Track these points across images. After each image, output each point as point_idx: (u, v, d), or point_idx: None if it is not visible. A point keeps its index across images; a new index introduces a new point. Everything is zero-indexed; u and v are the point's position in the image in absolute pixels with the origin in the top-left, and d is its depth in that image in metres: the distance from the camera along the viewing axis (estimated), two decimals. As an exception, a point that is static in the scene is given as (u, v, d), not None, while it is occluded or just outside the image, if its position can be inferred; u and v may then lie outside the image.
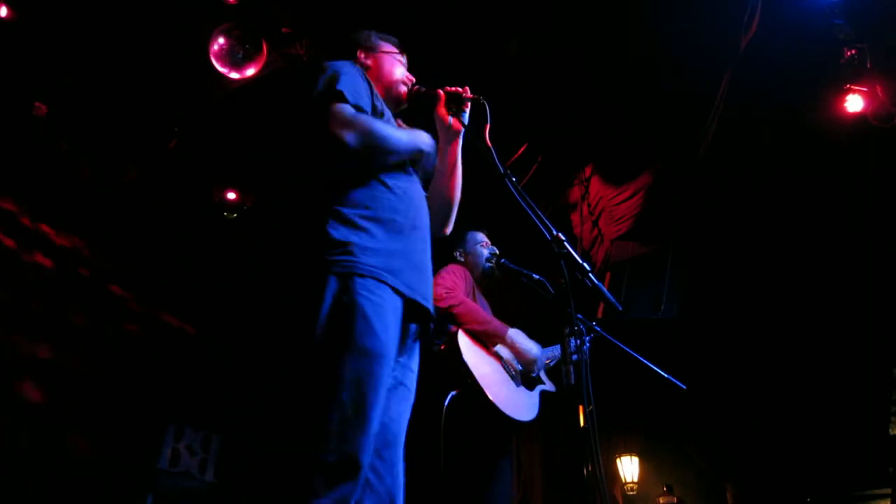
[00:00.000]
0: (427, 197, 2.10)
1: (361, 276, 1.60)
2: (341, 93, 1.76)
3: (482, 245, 3.54)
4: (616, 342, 2.90)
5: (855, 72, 4.15)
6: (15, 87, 3.97)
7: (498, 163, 1.89)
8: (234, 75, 3.99)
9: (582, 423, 1.68)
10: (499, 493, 3.09)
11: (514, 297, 5.02)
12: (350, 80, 1.82)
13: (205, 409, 4.60)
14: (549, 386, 3.37)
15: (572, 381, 1.67)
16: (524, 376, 3.21)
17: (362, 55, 2.14)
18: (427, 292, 1.81)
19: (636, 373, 2.87)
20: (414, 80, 2.18)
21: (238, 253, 5.00)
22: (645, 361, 2.82)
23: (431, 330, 1.87)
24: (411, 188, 1.90)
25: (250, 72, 3.99)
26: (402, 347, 1.76)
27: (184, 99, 4.38)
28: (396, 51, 2.19)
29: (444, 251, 3.51)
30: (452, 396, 2.87)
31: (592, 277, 1.83)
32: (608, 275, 5.52)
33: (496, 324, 3.12)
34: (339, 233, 1.65)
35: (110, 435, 4.04)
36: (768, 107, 4.53)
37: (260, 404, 4.28)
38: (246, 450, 4.69)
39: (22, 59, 3.89)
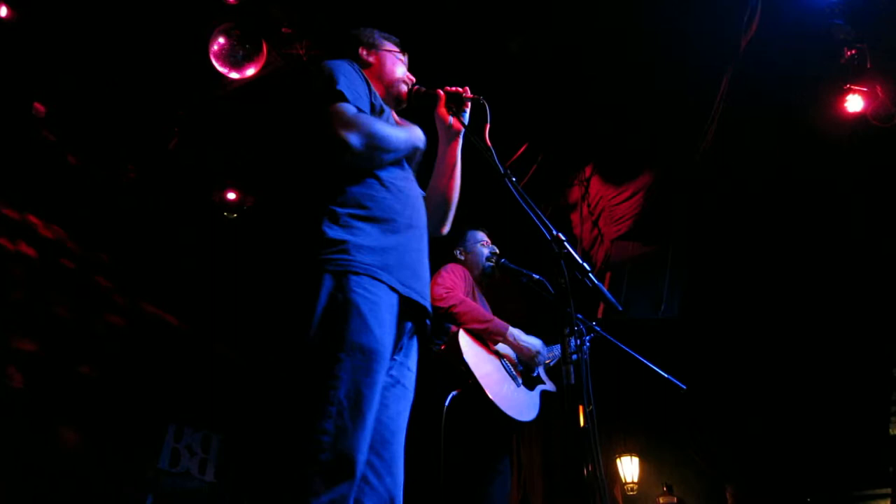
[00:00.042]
0: (425, 196, 2.10)
1: (356, 273, 1.60)
2: (342, 93, 1.75)
3: (482, 244, 3.54)
4: (616, 342, 2.90)
5: (855, 72, 4.15)
6: (15, 86, 3.97)
7: (498, 163, 1.89)
8: (234, 75, 3.99)
9: (582, 423, 1.68)
10: (499, 493, 3.09)
11: (514, 297, 5.02)
12: (349, 80, 1.82)
13: (205, 409, 4.60)
14: (549, 386, 3.37)
15: (572, 381, 1.67)
16: (525, 376, 3.21)
17: (364, 52, 2.13)
18: (423, 290, 1.80)
19: (636, 373, 2.87)
20: (414, 79, 2.18)
21: (238, 253, 5.00)
22: (645, 361, 2.82)
23: (429, 328, 1.87)
24: (408, 186, 1.90)
25: (250, 72, 3.99)
26: (399, 345, 1.76)
27: (184, 99, 4.38)
28: (398, 50, 2.19)
29: (444, 250, 3.52)
30: (453, 396, 2.87)
31: (592, 277, 1.83)
32: (608, 275, 5.52)
33: (497, 322, 3.12)
34: (334, 231, 1.65)
35: (110, 435, 4.04)
36: (768, 107, 4.53)
37: (259, 404, 4.29)
38: (246, 450, 4.70)
39: (22, 59, 3.89)
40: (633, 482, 6.67)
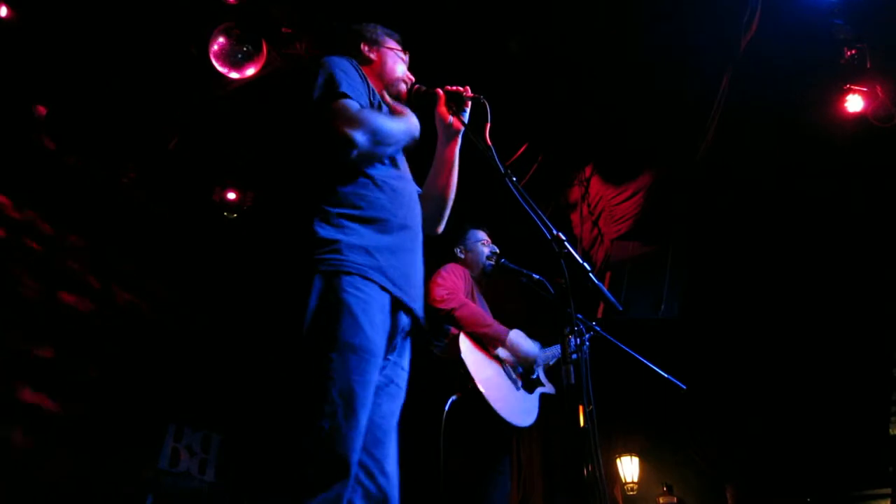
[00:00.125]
0: (421, 194, 2.10)
1: (348, 273, 1.60)
2: (343, 91, 1.75)
3: (482, 244, 3.54)
4: (616, 342, 2.90)
5: (855, 72, 4.15)
6: (15, 86, 3.97)
7: (498, 162, 1.89)
8: (234, 75, 3.99)
9: (582, 423, 1.68)
10: (499, 493, 3.09)
11: (514, 297, 5.02)
12: (349, 77, 1.82)
13: (205, 409, 4.60)
14: (548, 388, 3.37)
15: (572, 381, 1.67)
16: (524, 379, 3.21)
17: (366, 48, 2.12)
18: (416, 292, 1.80)
19: (636, 373, 2.87)
20: (413, 79, 2.18)
21: (238, 253, 5.00)
22: (645, 361, 2.82)
23: (422, 328, 1.86)
24: (403, 186, 1.89)
25: (250, 72, 3.99)
26: (393, 345, 1.76)
27: (184, 99, 4.38)
28: (399, 48, 2.18)
29: (444, 248, 3.52)
30: (453, 401, 2.87)
31: (592, 277, 1.83)
32: (608, 275, 5.51)
33: (497, 327, 3.12)
34: (325, 231, 1.65)
35: (110, 435, 4.04)
36: (768, 107, 4.53)
37: (256, 404, 4.29)
38: (244, 450, 4.70)
39: (22, 59, 3.89)
40: (633, 482, 6.67)
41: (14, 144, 4.01)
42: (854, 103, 4.21)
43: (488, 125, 1.99)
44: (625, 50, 4.46)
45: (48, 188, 4.15)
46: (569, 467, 5.50)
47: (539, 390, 3.29)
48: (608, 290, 2.00)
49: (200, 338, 4.73)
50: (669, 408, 6.15)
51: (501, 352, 3.11)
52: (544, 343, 3.43)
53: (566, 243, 1.80)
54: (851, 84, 4.18)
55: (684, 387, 2.85)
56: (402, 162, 1.99)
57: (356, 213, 1.71)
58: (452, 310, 3.05)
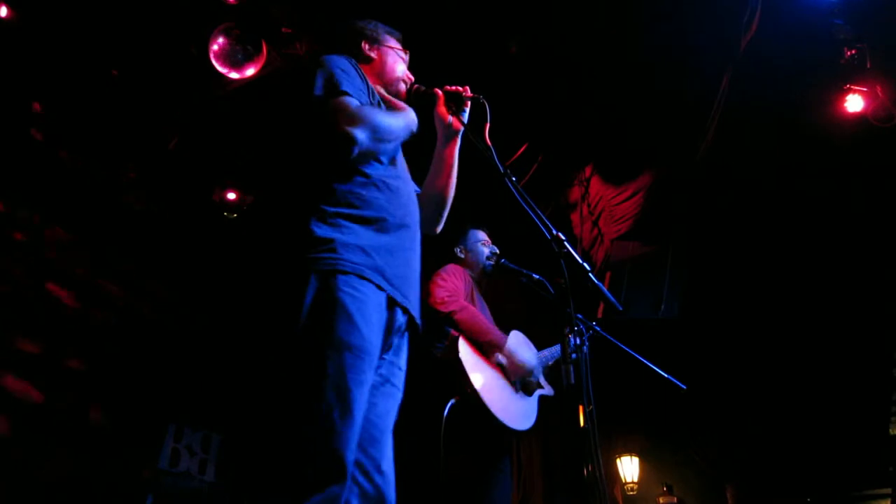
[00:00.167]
0: (420, 194, 2.10)
1: (344, 273, 1.59)
2: (343, 89, 1.75)
3: (483, 244, 3.54)
4: (616, 342, 2.90)
5: (855, 72, 4.15)
6: (14, 86, 3.97)
7: (498, 162, 1.89)
8: (234, 75, 3.99)
9: (582, 423, 1.68)
10: (499, 493, 3.09)
11: (514, 297, 5.02)
12: (348, 75, 1.82)
13: (205, 409, 4.60)
14: (547, 390, 3.37)
15: (572, 381, 1.67)
16: (523, 382, 3.21)
17: (366, 46, 2.12)
18: (413, 291, 1.79)
19: (636, 373, 2.87)
20: (413, 78, 2.17)
21: (238, 252, 5.00)
22: (645, 361, 2.82)
23: (419, 328, 1.85)
24: (401, 185, 1.88)
25: (250, 72, 3.99)
26: (389, 343, 1.75)
27: (184, 99, 4.38)
28: (400, 47, 2.18)
29: (444, 248, 3.52)
30: (452, 405, 2.87)
31: (592, 277, 1.83)
32: (608, 275, 5.51)
33: (495, 334, 3.12)
34: (322, 230, 1.64)
35: (110, 435, 4.04)
36: (768, 107, 4.53)
37: (255, 404, 4.29)
38: (244, 450, 4.70)
39: (22, 59, 3.89)
40: (633, 482, 6.67)
41: (14, 144, 4.00)
42: (854, 103, 4.20)
43: (488, 125, 1.99)
44: (625, 50, 4.46)
45: (48, 188, 4.14)
46: (569, 467, 5.51)
47: (538, 392, 3.29)
48: (608, 290, 2.00)
49: (200, 338, 4.72)
50: (669, 408, 6.15)
51: (499, 357, 3.12)
52: (544, 343, 3.43)
53: (566, 243, 1.80)
54: (851, 84, 4.18)
55: (684, 387, 2.85)
56: (401, 161, 1.98)
57: (354, 212, 1.70)
58: (452, 312, 3.06)
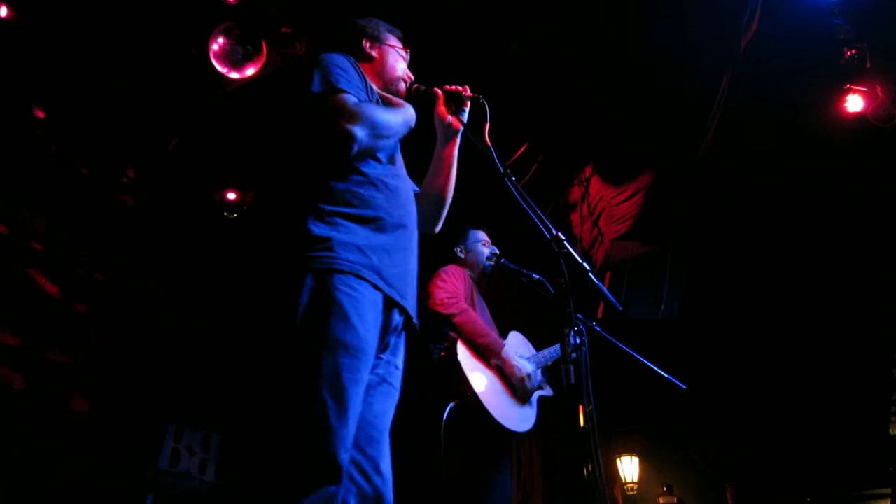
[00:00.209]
0: (419, 193, 2.10)
1: (340, 272, 1.59)
2: (341, 87, 1.74)
3: (483, 244, 3.54)
4: (616, 342, 2.90)
5: (855, 72, 4.15)
6: (14, 86, 3.97)
7: (498, 162, 1.89)
8: (234, 75, 3.99)
9: (582, 423, 1.68)
10: (499, 494, 3.09)
11: (514, 297, 5.02)
12: (346, 73, 1.81)
13: (205, 409, 4.60)
14: (546, 391, 3.37)
15: (572, 381, 1.67)
16: (521, 385, 3.21)
17: (367, 45, 2.11)
18: (410, 291, 1.79)
19: (636, 373, 2.87)
20: (413, 77, 2.17)
21: (238, 252, 5.00)
22: (645, 361, 2.82)
23: (415, 328, 1.85)
24: (399, 185, 1.88)
25: (250, 72, 3.99)
26: (386, 343, 1.75)
27: (184, 99, 4.38)
28: (401, 45, 2.17)
29: (444, 248, 3.52)
30: (451, 408, 2.87)
31: (592, 277, 1.83)
32: (608, 275, 5.51)
33: (492, 338, 3.11)
34: (319, 228, 1.64)
35: (110, 435, 4.04)
36: (768, 107, 4.53)
37: (254, 404, 4.29)
38: (244, 450, 4.70)
39: (22, 59, 3.89)
40: (633, 482, 6.67)
41: (14, 144, 4.00)
42: (854, 103, 4.20)
43: (487, 125, 1.99)
44: (625, 50, 4.46)
45: (48, 188, 4.14)
46: (569, 467, 5.50)
47: (537, 394, 3.29)
48: (608, 290, 2.00)
49: (200, 338, 4.72)
50: (669, 408, 6.15)
51: (496, 361, 3.11)
52: (544, 343, 3.43)
53: (566, 243, 1.80)
54: (851, 84, 4.18)
55: (684, 387, 2.85)
56: (399, 160, 1.98)
57: (351, 211, 1.70)
58: (452, 315, 3.05)
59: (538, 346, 3.44)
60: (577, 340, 1.87)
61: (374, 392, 1.72)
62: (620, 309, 2.16)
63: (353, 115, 1.69)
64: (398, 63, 2.14)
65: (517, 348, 3.24)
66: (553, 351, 3.37)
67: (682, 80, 4.50)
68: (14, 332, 3.76)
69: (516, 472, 5.15)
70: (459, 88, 2.11)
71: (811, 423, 5.95)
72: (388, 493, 1.66)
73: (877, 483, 5.73)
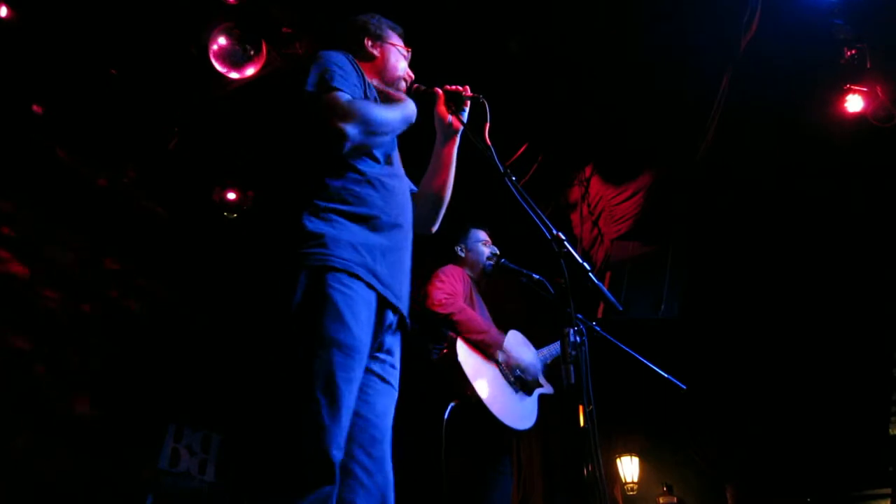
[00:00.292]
0: (417, 193, 2.10)
1: (334, 269, 1.58)
2: (336, 85, 1.74)
3: (483, 244, 3.54)
4: (616, 342, 2.90)
5: (855, 72, 4.14)
6: (14, 86, 3.97)
7: (498, 162, 1.89)
8: (234, 75, 3.99)
9: (582, 423, 1.68)
10: (499, 494, 3.09)
11: (514, 297, 5.02)
12: (343, 70, 1.81)
13: (205, 409, 4.60)
14: (547, 389, 3.38)
15: (572, 381, 1.67)
16: (522, 382, 3.21)
17: (369, 43, 2.10)
18: (403, 291, 1.79)
19: (636, 373, 2.87)
20: (413, 76, 2.17)
21: (238, 252, 5.00)
22: (645, 361, 2.82)
23: (407, 327, 1.85)
24: (396, 184, 1.87)
25: (250, 72, 3.99)
26: (381, 342, 1.75)
27: (184, 99, 4.38)
28: (402, 44, 2.17)
29: (443, 247, 3.52)
30: (452, 408, 2.87)
31: (592, 277, 1.83)
32: (608, 275, 5.51)
33: (493, 333, 3.12)
34: (313, 224, 1.63)
35: (110, 435, 4.04)
36: (768, 107, 4.53)
37: (249, 403, 4.29)
38: (241, 449, 4.70)
39: (22, 59, 3.89)
40: (633, 482, 6.67)
41: (14, 145, 4.00)
42: (854, 103, 4.20)
43: (487, 125, 1.99)
44: (625, 50, 4.46)
45: (48, 188, 4.14)
46: (569, 467, 5.51)
47: (538, 391, 3.29)
48: (608, 290, 2.00)
49: (200, 338, 4.72)
50: (669, 408, 6.15)
51: (498, 356, 3.12)
52: (542, 342, 3.43)
53: (566, 243, 1.80)
54: (851, 84, 4.18)
55: (684, 387, 2.85)
56: (397, 160, 1.98)
57: (346, 208, 1.69)
58: (451, 314, 3.05)
59: (538, 346, 3.44)
60: (578, 340, 1.86)
61: (374, 392, 1.71)
62: (620, 309, 2.15)
63: (346, 113, 1.69)
64: (399, 62, 2.13)
65: (517, 346, 3.25)
66: (554, 348, 3.37)
67: (682, 80, 4.50)
68: (14, 333, 3.76)
69: (516, 472, 5.15)
70: (459, 88, 2.11)
71: (811, 423, 5.95)
72: (390, 493, 1.66)
73: (877, 483, 5.73)
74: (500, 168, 1.87)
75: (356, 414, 1.63)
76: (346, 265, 1.60)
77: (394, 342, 1.83)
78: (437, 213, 2.16)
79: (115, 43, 3.99)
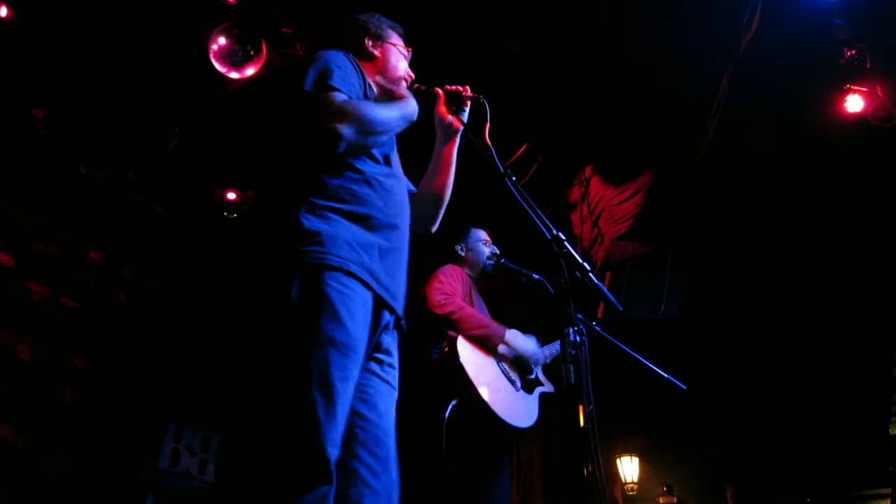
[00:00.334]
0: (417, 193, 2.10)
1: (331, 268, 1.58)
2: (333, 85, 1.74)
3: (484, 243, 3.54)
4: (616, 342, 2.90)
5: (855, 72, 4.14)
6: (14, 86, 3.97)
7: (498, 162, 1.89)
8: (234, 75, 3.99)
9: (582, 423, 1.68)
10: (499, 493, 3.09)
11: (514, 297, 5.02)
12: (342, 70, 1.81)
13: (205, 409, 4.60)
14: (547, 387, 3.38)
15: (572, 381, 1.67)
16: (523, 379, 3.21)
17: (370, 43, 2.10)
18: (400, 291, 1.79)
19: (636, 373, 2.87)
20: (413, 76, 2.17)
21: (238, 252, 5.00)
22: (645, 361, 2.82)
23: (403, 327, 1.85)
24: (394, 185, 1.87)
25: (250, 72, 3.98)
26: (378, 341, 1.75)
27: (184, 99, 4.38)
28: (402, 44, 2.17)
29: (443, 247, 3.52)
30: (453, 406, 2.87)
31: (592, 277, 1.83)
32: (608, 275, 5.51)
33: (494, 326, 3.12)
34: (310, 223, 1.63)
35: (110, 435, 4.04)
36: (768, 107, 4.53)
37: (247, 402, 4.30)
38: (241, 449, 4.71)
39: (22, 60, 3.89)
40: (633, 482, 6.67)
41: (14, 145, 4.00)
42: (854, 103, 4.20)
43: (488, 125, 1.99)
44: (625, 50, 4.46)
45: (48, 188, 4.14)
46: (569, 467, 5.50)
47: (538, 390, 3.30)
48: (608, 290, 2.00)
49: (200, 338, 4.72)
50: (669, 408, 6.15)
51: (502, 348, 3.11)
52: (542, 341, 3.43)
53: (566, 243, 1.80)
54: (851, 84, 4.18)
55: (684, 387, 2.85)
56: (396, 160, 1.97)
57: (343, 207, 1.69)
58: (450, 313, 3.06)
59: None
60: (578, 340, 1.87)
61: (375, 392, 1.71)
62: (620, 309, 2.15)
63: (341, 113, 1.69)
64: (400, 62, 2.12)
65: (519, 337, 3.24)
66: (555, 346, 3.38)
67: (682, 80, 4.50)
68: (14, 333, 3.76)
69: (516, 472, 5.15)
70: (460, 88, 2.11)
71: (811, 423, 5.95)
72: (396, 493, 1.67)
73: (877, 483, 5.73)
74: (500, 168, 1.87)
75: (358, 415, 1.63)
76: (343, 264, 1.60)
77: (392, 342, 1.83)
78: (436, 213, 2.16)
79: (115, 43, 3.99)
